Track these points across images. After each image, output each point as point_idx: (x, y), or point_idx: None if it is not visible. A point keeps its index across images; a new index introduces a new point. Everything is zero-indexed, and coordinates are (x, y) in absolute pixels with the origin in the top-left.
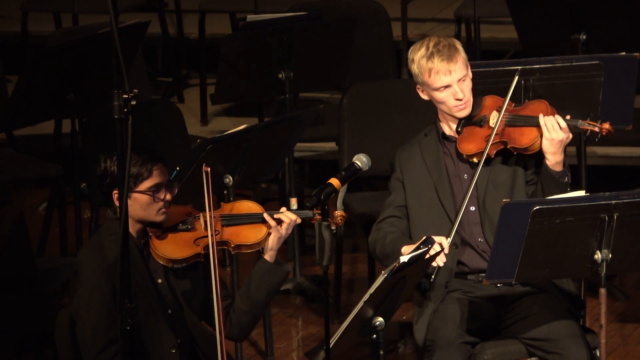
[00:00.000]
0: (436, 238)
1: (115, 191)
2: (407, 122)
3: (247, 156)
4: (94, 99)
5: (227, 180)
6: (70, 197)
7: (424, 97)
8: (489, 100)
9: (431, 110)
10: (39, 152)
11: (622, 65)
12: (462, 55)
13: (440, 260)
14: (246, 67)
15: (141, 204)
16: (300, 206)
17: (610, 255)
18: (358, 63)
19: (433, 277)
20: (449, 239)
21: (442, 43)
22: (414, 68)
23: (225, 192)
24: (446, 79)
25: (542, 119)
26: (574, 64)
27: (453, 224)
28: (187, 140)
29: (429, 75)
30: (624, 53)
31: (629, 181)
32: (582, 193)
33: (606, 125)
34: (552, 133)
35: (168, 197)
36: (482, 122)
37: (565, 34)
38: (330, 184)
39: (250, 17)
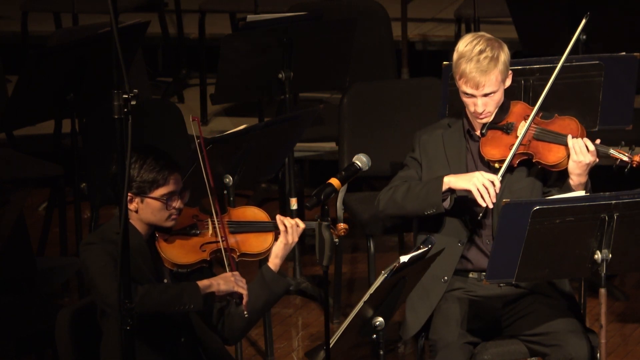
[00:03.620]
0: (487, 175)
1: (129, 194)
2: (407, 122)
3: (247, 156)
4: (94, 99)
5: (227, 180)
6: (70, 197)
7: (457, 84)
8: (517, 106)
9: (431, 110)
10: (39, 152)
11: (622, 65)
12: (499, 69)
13: (489, 202)
14: (246, 67)
15: (153, 210)
16: (300, 206)
17: (610, 255)
18: (358, 63)
19: (480, 216)
20: (499, 175)
21: (485, 53)
22: (454, 57)
23: (225, 192)
24: (471, 91)
25: (571, 141)
26: (574, 64)
27: (503, 165)
28: (187, 140)
29: (459, 78)
30: (624, 53)
31: (629, 181)
32: (582, 193)
33: (637, 158)
34: (580, 156)
35: (180, 204)
36: (509, 130)
37: (565, 34)
38: (330, 184)
39: (250, 17)
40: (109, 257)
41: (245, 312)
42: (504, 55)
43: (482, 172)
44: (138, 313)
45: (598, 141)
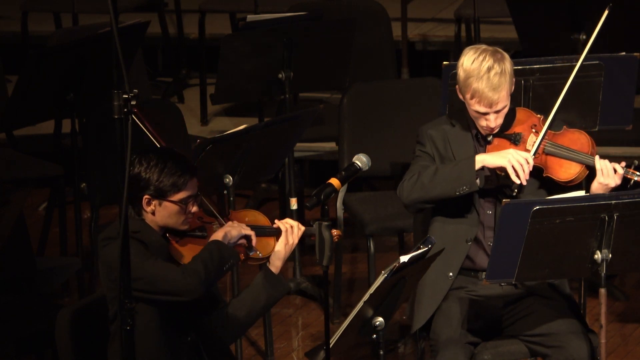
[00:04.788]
0: (521, 153)
1: (146, 196)
2: (407, 122)
3: (247, 156)
4: (94, 99)
5: (227, 180)
6: (70, 197)
7: (460, 97)
8: (522, 114)
9: (431, 110)
10: (39, 152)
11: (622, 65)
12: (508, 82)
13: (523, 179)
14: (246, 67)
15: (170, 213)
16: (300, 206)
17: (610, 255)
18: (358, 63)
19: (515, 193)
20: (532, 153)
21: (494, 70)
22: (460, 75)
23: (225, 192)
24: (484, 109)
25: (598, 163)
26: (574, 64)
27: (538, 137)
28: (187, 140)
29: (471, 97)
30: (624, 53)
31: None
32: (582, 193)
33: None
34: (607, 178)
35: (195, 209)
36: (517, 141)
37: (565, 34)
38: (330, 184)
39: (250, 17)
40: (141, 248)
41: (259, 253)
42: (510, 65)
43: (516, 150)
44: (206, 288)
45: (623, 164)
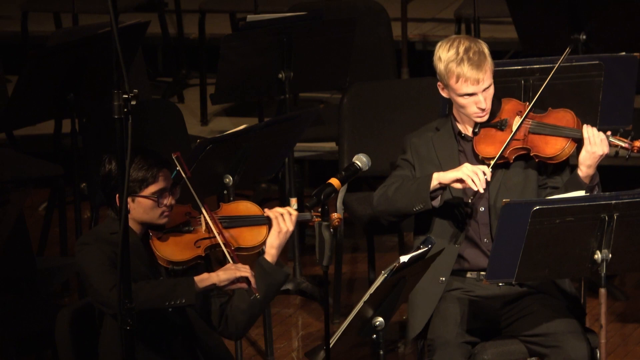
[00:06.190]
0: (476, 165)
1: (119, 194)
2: (407, 122)
3: (247, 156)
4: (94, 99)
5: (227, 180)
6: (70, 197)
7: (444, 94)
8: (508, 104)
9: (431, 110)
10: (39, 152)
11: (622, 65)
12: (489, 62)
13: (480, 187)
14: (246, 67)
15: (144, 208)
16: (300, 206)
17: (610, 255)
18: (358, 63)
19: (471, 199)
20: (490, 168)
21: (472, 49)
22: (440, 67)
23: (225, 192)
24: (472, 88)
25: (586, 131)
26: (574, 64)
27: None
28: (187, 140)
29: (456, 81)
30: (624, 53)
31: (629, 181)
32: (582, 193)
33: (637, 143)
34: (595, 146)
35: (171, 201)
36: (503, 126)
37: (565, 34)
38: (330, 184)
39: (250, 17)
40: (104, 256)
41: (256, 294)
42: (487, 49)
43: (469, 164)
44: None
45: (609, 133)
